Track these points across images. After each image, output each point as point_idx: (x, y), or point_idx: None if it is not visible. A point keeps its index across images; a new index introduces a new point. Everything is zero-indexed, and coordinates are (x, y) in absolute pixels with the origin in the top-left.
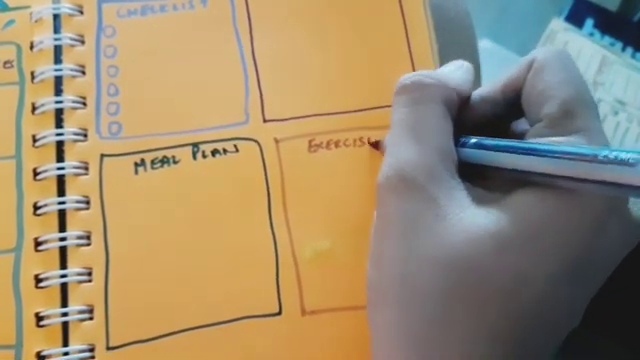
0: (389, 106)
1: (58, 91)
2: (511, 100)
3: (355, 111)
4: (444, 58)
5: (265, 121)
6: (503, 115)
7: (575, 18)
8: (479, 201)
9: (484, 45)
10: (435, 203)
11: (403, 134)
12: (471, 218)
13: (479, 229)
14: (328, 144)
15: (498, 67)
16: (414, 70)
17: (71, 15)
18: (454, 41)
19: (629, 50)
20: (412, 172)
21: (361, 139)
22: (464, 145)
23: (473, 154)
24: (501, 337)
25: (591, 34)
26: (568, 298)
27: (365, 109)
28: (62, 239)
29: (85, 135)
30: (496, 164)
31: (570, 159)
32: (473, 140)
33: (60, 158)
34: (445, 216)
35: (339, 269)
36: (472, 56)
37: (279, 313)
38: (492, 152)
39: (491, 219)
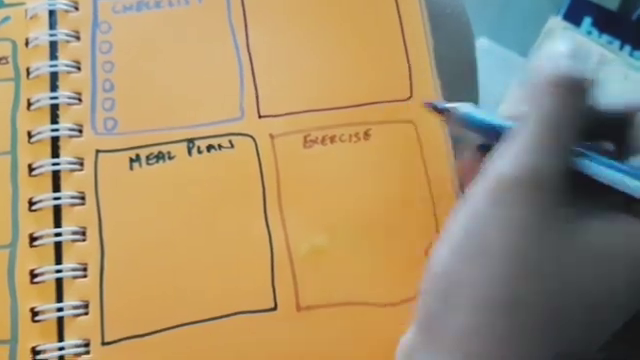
0: (385, 102)
1: (53, 87)
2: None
3: (351, 107)
4: (439, 54)
5: (260, 117)
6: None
7: (573, 16)
8: (596, 217)
9: (482, 43)
10: (563, 210)
11: (547, 133)
12: (597, 237)
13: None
14: (324, 140)
15: (496, 65)
16: (409, 67)
17: (66, 11)
18: (450, 37)
19: (627, 48)
20: (551, 177)
21: (357, 134)
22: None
23: (590, 167)
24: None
25: (589, 32)
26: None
27: (360, 105)
28: (57, 234)
29: (80, 131)
30: (616, 185)
31: None
32: (594, 154)
33: (55, 154)
34: (572, 230)
35: (334, 265)
36: (468, 52)
37: (274, 309)
38: (613, 171)
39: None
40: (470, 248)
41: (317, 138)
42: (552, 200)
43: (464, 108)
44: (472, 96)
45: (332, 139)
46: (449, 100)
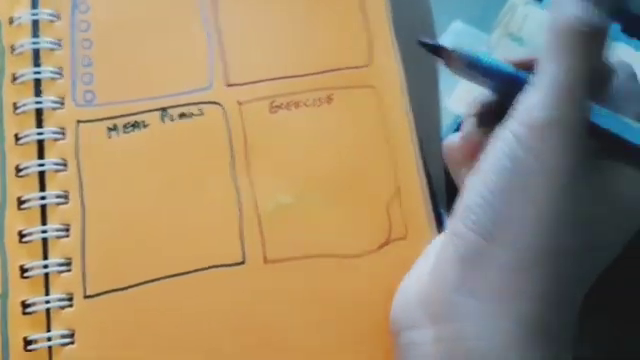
0: (346, 68)
1: (37, 63)
2: None
3: (314, 73)
4: (399, 25)
5: (228, 85)
6: None
7: None
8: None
9: (456, 26)
10: (593, 160)
11: (576, 82)
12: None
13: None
14: (288, 105)
15: (465, 44)
16: (369, 34)
17: None
18: (411, 5)
19: None
20: (581, 126)
21: (320, 99)
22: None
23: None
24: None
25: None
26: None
27: (323, 71)
28: (42, 198)
29: (62, 103)
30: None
31: None
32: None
33: (39, 124)
34: (603, 180)
35: (300, 221)
36: (427, 23)
37: (242, 262)
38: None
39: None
40: (513, 191)
41: (282, 104)
42: (583, 149)
43: (469, 51)
44: (430, 65)
45: (296, 104)
46: (408, 69)
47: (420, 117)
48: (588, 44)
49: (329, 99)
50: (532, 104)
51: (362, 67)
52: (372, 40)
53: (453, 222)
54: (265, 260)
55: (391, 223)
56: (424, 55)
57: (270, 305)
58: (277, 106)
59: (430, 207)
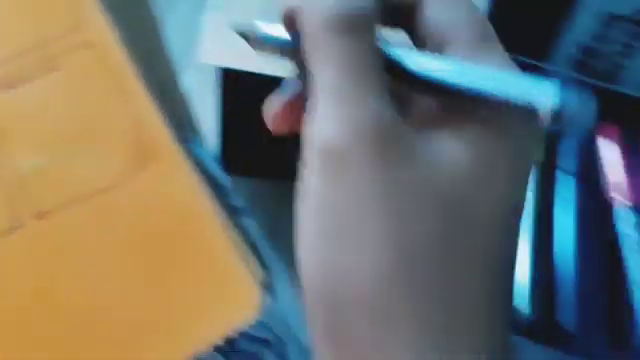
0: (61, 34)
1: None
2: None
3: (33, 47)
4: None
5: None
6: None
7: None
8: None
9: None
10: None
11: (353, 79)
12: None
13: (456, 161)
14: (17, 82)
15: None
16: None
17: None
18: None
19: None
20: (381, 121)
21: (46, 69)
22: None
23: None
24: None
25: None
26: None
27: (40, 43)
28: None
29: None
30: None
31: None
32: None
33: None
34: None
35: (58, 174)
36: None
37: (17, 227)
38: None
39: (464, 153)
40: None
41: (11, 82)
42: (396, 147)
43: (261, 28)
44: (148, 17)
45: (26, 79)
46: (125, 24)
47: (152, 64)
48: (350, 36)
49: (55, 67)
50: (319, 124)
51: (76, 30)
52: (79, 3)
53: None
54: (39, 216)
55: (139, 152)
56: (138, 8)
57: (62, 259)
58: (8, 86)
59: (176, 135)
